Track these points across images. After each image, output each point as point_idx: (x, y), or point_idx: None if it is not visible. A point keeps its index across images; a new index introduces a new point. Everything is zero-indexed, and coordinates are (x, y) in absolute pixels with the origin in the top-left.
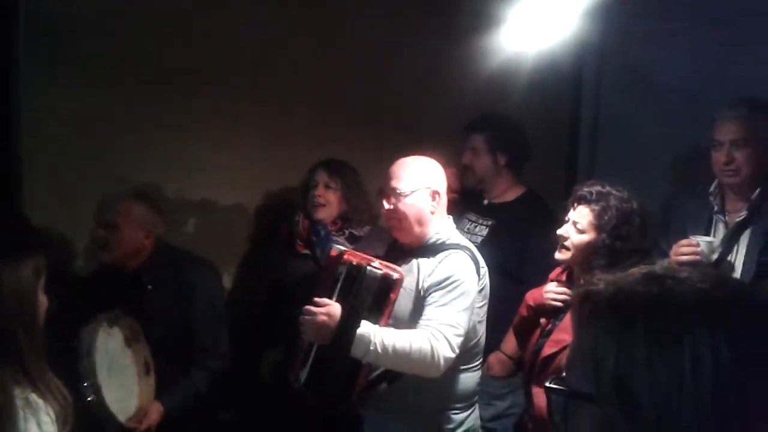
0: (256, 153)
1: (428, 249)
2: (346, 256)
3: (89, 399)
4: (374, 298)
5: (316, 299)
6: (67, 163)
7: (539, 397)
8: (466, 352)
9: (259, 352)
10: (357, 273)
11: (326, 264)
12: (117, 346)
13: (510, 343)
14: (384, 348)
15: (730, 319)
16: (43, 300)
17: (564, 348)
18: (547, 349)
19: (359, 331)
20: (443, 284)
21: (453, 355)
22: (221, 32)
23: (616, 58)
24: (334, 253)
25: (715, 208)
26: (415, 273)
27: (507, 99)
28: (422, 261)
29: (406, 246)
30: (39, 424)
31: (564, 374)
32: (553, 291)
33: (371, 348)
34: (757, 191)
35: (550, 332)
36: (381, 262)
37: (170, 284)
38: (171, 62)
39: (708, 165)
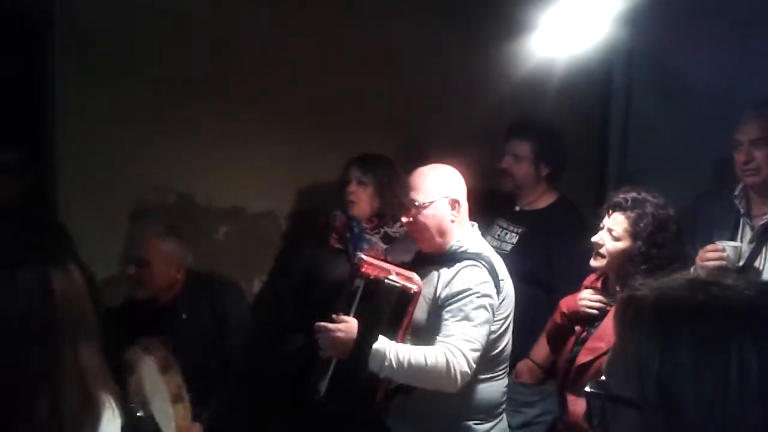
0: (286, 157)
1: (448, 258)
2: (363, 269)
3: (139, 414)
4: (392, 312)
5: (334, 316)
6: (100, 172)
7: (574, 404)
8: (489, 362)
9: (285, 342)
10: (375, 287)
11: (350, 272)
12: (153, 372)
13: (540, 350)
14: (399, 363)
15: None
16: None
17: (599, 356)
18: (582, 357)
19: (374, 346)
20: (460, 298)
21: (470, 371)
22: (251, 42)
23: (646, 62)
24: (356, 261)
25: (742, 211)
26: (434, 282)
27: (537, 104)
28: (442, 271)
29: (428, 255)
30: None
31: (603, 378)
32: (588, 298)
33: (386, 363)
34: None
35: (585, 340)
36: (399, 272)
37: (203, 311)
38: (202, 71)
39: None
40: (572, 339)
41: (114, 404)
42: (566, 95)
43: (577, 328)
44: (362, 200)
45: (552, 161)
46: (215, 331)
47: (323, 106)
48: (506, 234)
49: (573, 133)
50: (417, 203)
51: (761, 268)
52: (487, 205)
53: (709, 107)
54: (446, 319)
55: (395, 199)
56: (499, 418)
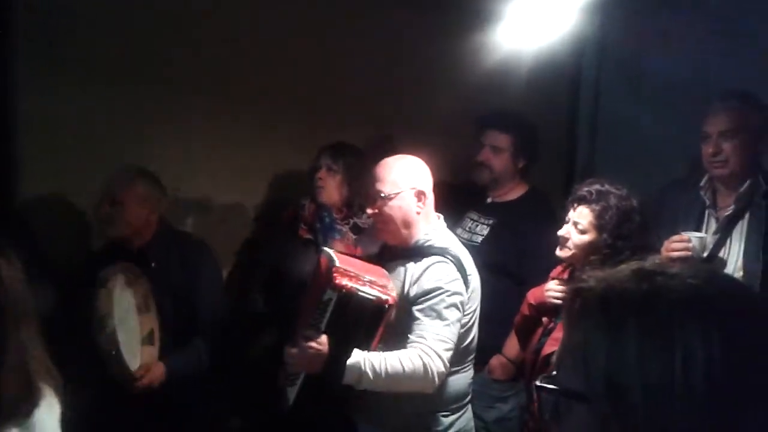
0: (256, 152)
1: (415, 252)
2: (336, 280)
3: (104, 332)
4: (366, 325)
5: (305, 333)
6: (65, 163)
7: None
8: (458, 354)
9: (254, 335)
10: (348, 300)
11: (316, 272)
12: (128, 307)
13: (512, 346)
14: (376, 374)
15: (721, 314)
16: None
17: None
18: (548, 348)
19: (349, 362)
20: (431, 297)
21: (445, 370)
22: (219, 33)
23: (614, 54)
24: (324, 261)
25: (707, 203)
26: (402, 277)
27: (506, 95)
28: (409, 265)
29: (395, 248)
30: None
31: (554, 372)
32: (553, 289)
33: (363, 377)
34: (747, 184)
35: (551, 330)
36: (373, 279)
37: (174, 262)
38: (169, 62)
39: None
40: (540, 330)
41: (54, 394)
42: (536, 87)
43: (545, 319)
44: (330, 187)
45: (529, 155)
46: (185, 286)
47: (296, 98)
48: (477, 226)
49: (542, 124)
50: (382, 194)
51: (726, 258)
52: (457, 198)
53: (678, 99)
54: (418, 318)
55: (364, 189)
56: (465, 409)
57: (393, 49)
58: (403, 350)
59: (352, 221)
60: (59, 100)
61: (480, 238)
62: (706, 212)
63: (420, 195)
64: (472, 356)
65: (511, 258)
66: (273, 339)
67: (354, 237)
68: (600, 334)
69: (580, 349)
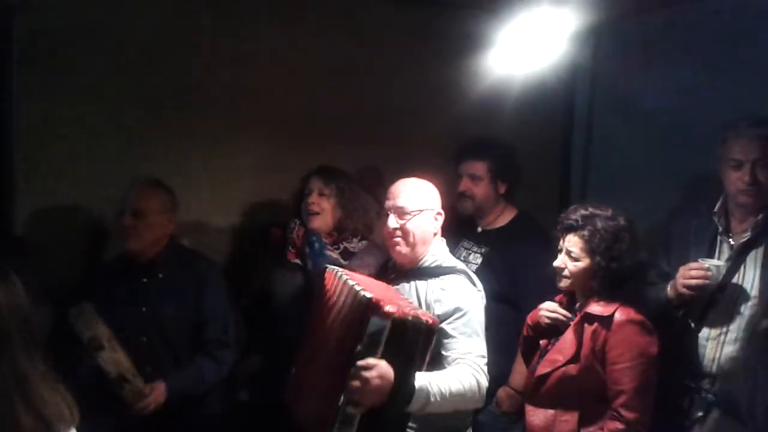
0: (250, 177)
1: (425, 271)
2: (387, 309)
3: (97, 351)
4: (421, 349)
5: (366, 361)
6: (61, 183)
7: (532, 415)
8: None
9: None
10: (402, 328)
11: (322, 291)
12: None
13: (517, 377)
14: (442, 396)
15: None
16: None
17: (557, 368)
18: (541, 369)
19: (417, 385)
20: (462, 315)
21: (487, 385)
22: (213, 57)
23: (606, 81)
24: (333, 278)
25: (720, 229)
26: (414, 295)
27: (500, 121)
28: (420, 283)
29: (400, 267)
30: None
31: None
32: (546, 308)
33: (431, 399)
34: (766, 211)
35: (547, 352)
36: (410, 305)
37: (181, 275)
38: (164, 85)
39: (712, 185)
40: (538, 352)
41: (69, 411)
42: (529, 112)
43: (542, 341)
44: (325, 211)
45: (508, 178)
46: (190, 299)
47: (287, 120)
48: (470, 255)
49: (536, 150)
50: (406, 210)
51: (742, 284)
52: (450, 224)
53: (670, 125)
54: (455, 337)
55: (360, 214)
56: (468, 429)
57: (388, 75)
58: (454, 369)
59: (342, 246)
60: (56, 119)
61: (474, 267)
62: (719, 238)
63: (437, 217)
64: None
65: (506, 285)
66: (256, 361)
67: (345, 263)
68: None
69: None
